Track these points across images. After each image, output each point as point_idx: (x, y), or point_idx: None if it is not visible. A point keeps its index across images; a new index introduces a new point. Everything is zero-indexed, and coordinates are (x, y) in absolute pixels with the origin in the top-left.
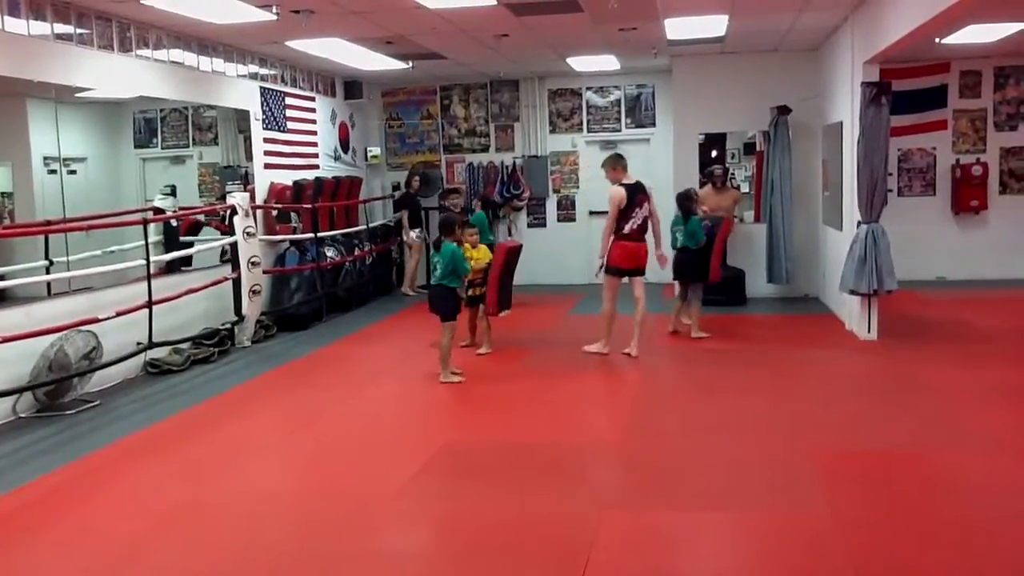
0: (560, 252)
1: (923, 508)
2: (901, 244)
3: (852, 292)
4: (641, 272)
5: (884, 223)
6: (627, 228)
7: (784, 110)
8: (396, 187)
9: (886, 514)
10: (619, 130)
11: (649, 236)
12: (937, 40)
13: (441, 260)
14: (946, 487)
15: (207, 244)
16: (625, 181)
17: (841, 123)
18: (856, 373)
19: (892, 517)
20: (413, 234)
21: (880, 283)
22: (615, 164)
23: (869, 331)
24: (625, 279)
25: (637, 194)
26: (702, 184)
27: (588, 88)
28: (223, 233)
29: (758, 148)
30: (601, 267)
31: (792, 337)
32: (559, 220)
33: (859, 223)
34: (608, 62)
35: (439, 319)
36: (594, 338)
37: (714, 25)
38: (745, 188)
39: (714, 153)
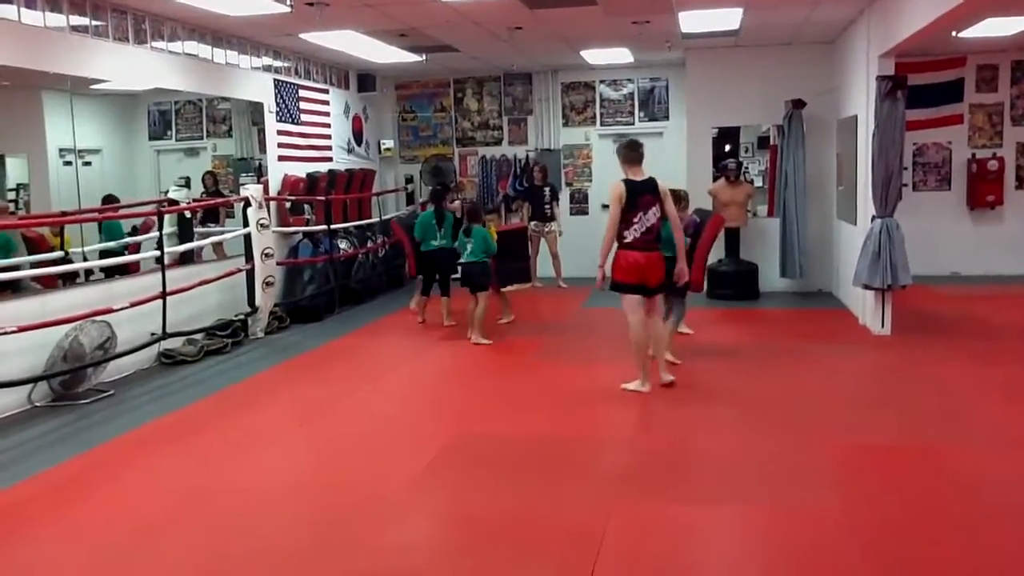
0: (573, 245)
1: (935, 503)
2: (915, 239)
3: (866, 287)
4: (654, 291)
5: (898, 218)
6: (629, 236)
7: (798, 104)
8: (409, 180)
9: (898, 509)
10: (632, 124)
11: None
12: (954, 33)
13: (473, 241)
14: (959, 482)
15: (221, 236)
16: (631, 176)
17: (856, 117)
18: (869, 368)
19: (904, 512)
20: (531, 226)
21: (894, 278)
22: (623, 154)
23: (883, 326)
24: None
25: (643, 195)
26: (715, 178)
27: (601, 81)
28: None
29: (772, 142)
30: (603, 278)
31: (805, 332)
32: (572, 213)
33: (873, 217)
34: (621, 55)
35: (470, 291)
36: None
37: (728, 18)
38: (759, 182)
39: (728, 147)
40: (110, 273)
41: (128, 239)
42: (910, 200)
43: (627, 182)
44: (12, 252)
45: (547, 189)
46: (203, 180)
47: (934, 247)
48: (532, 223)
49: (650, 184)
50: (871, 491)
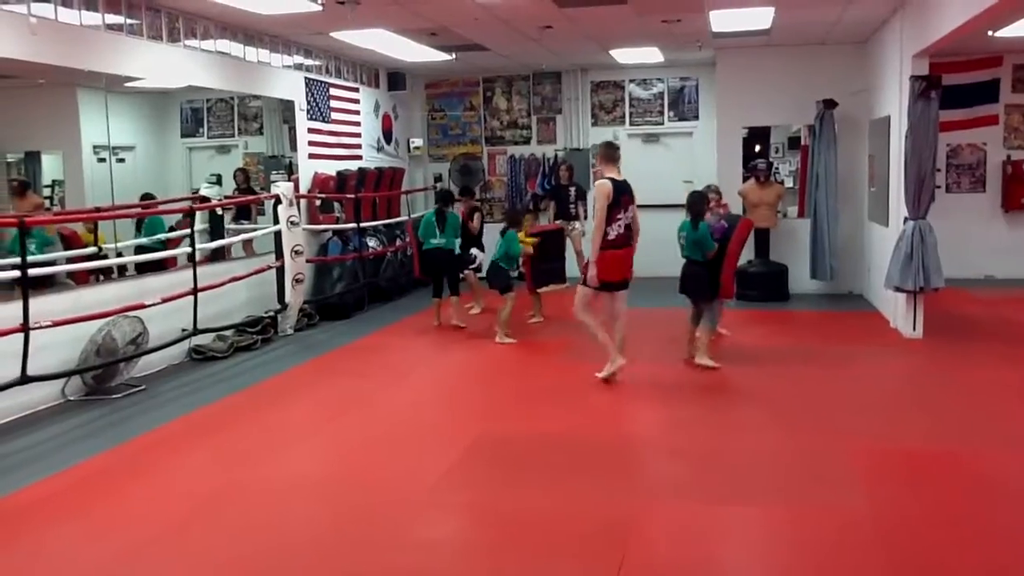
0: None
1: (963, 507)
2: (949, 241)
3: (897, 289)
4: (626, 285)
5: (931, 220)
6: (612, 233)
7: (830, 104)
8: (438, 179)
9: (925, 513)
10: (662, 123)
11: None
12: (989, 33)
13: (501, 244)
14: (987, 487)
15: (252, 233)
16: (611, 175)
17: (889, 118)
18: (900, 371)
19: (931, 516)
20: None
21: (927, 280)
22: (606, 153)
23: (914, 329)
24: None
25: (623, 194)
26: (745, 178)
27: (631, 80)
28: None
29: (803, 142)
30: (594, 274)
31: (835, 334)
32: None
33: (906, 219)
34: (651, 54)
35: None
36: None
37: (760, 17)
38: (789, 183)
39: (758, 147)
40: (142, 269)
41: (169, 234)
42: (943, 202)
43: (612, 181)
44: (48, 247)
45: (572, 189)
46: (235, 177)
47: (967, 249)
48: (557, 222)
49: (627, 185)
50: (898, 495)
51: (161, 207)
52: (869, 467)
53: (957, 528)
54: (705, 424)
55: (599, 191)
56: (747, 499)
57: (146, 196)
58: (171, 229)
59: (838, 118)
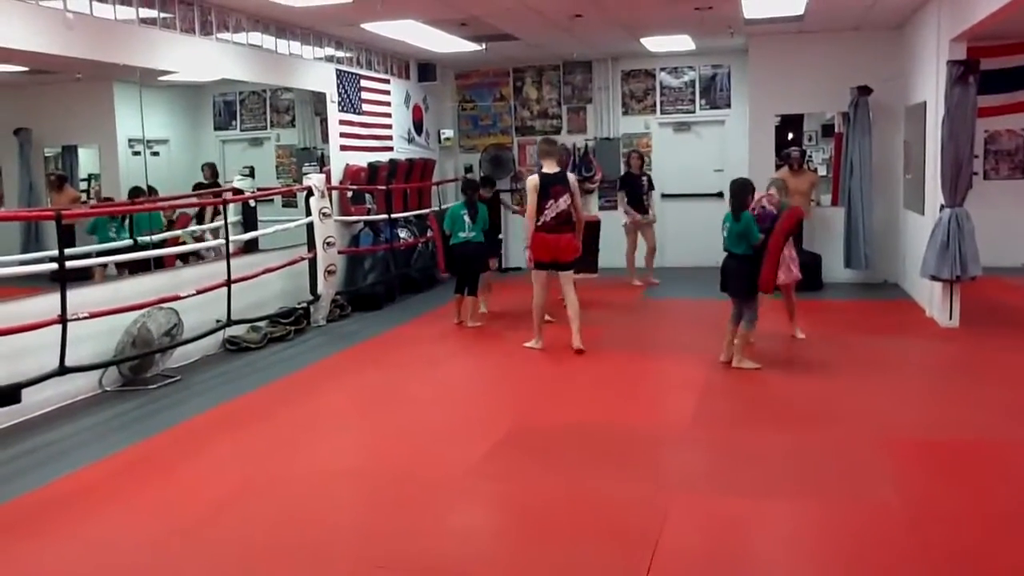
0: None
1: (999, 500)
2: (986, 229)
3: (933, 278)
4: (565, 266)
5: (969, 207)
6: (540, 220)
7: (865, 90)
8: (468, 169)
9: (960, 506)
10: (693, 112)
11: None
12: None
13: None
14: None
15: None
16: (546, 169)
17: (925, 103)
18: (935, 361)
19: (967, 509)
20: (626, 218)
21: (963, 269)
22: (541, 149)
23: (950, 318)
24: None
25: (553, 185)
26: (778, 166)
27: (662, 69)
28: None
29: (837, 130)
30: (531, 257)
31: (870, 323)
32: (629, 202)
33: (942, 207)
34: (683, 42)
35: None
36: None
37: (793, 3)
38: (823, 171)
39: (791, 135)
40: (134, 270)
41: (167, 234)
42: (981, 189)
43: (541, 174)
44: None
45: (644, 179)
46: (202, 170)
47: (1006, 237)
48: (628, 216)
49: (561, 176)
50: (934, 487)
51: (192, 199)
52: (905, 459)
53: (992, 520)
54: (737, 415)
55: (528, 184)
56: (781, 492)
57: (136, 191)
58: (170, 223)
59: (873, 105)
